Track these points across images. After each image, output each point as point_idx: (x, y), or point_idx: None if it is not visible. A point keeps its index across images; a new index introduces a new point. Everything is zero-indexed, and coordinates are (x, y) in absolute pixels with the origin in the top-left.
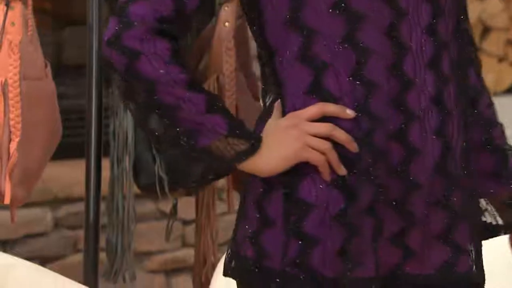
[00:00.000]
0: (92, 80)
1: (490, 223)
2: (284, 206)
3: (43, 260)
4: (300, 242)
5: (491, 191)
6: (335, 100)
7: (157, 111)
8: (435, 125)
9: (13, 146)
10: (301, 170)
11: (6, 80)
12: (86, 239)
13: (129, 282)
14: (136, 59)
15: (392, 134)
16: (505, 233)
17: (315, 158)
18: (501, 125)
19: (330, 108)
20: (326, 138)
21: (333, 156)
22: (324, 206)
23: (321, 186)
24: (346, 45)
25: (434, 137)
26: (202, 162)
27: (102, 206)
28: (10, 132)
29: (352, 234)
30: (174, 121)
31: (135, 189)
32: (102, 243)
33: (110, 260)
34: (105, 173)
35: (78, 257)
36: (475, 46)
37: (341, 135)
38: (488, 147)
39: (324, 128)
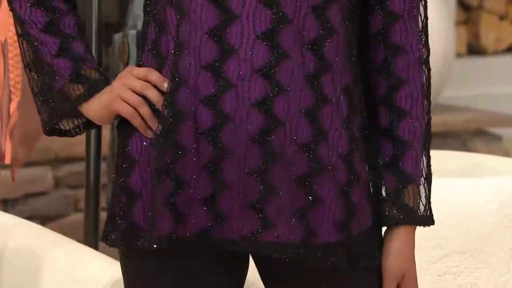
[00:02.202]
0: (91, 39)
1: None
2: (117, 160)
3: (44, 219)
4: (125, 196)
5: (380, 181)
6: (163, 59)
7: (26, 49)
8: (258, 97)
9: (13, 106)
10: (132, 126)
11: (6, 40)
12: (87, 198)
13: None
14: None
15: (203, 98)
16: (386, 225)
17: (123, 110)
18: (417, 119)
19: (153, 77)
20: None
21: (144, 111)
22: (145, 163)
23: (145, 143)
24: (172, 4)
25: (253, 108)
26: (58, 105)
27: (103, 165)
28: (10, 92)
29: (153, 192)
30: (37, 61)
31: None
32: (103, 202)
33: None
34: (106, 132)
35: (79, 217)
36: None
37: (151, 95)
38: (389, 136)
39: (138, 84)
